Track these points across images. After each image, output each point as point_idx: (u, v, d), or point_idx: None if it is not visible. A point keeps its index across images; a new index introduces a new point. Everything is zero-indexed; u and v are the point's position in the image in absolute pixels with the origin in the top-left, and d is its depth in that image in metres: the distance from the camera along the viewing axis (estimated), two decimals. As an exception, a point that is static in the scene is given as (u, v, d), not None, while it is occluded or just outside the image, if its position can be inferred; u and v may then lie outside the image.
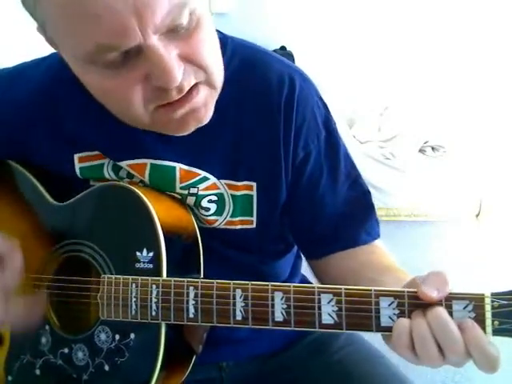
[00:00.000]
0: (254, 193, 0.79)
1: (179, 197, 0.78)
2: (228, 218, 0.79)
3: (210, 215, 0.79)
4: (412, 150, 2.82)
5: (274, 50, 3.10)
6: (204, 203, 0.78)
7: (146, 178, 0.77)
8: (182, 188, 0.77)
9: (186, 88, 0.62)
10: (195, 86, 0.64)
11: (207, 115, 0.68)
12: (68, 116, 0.78)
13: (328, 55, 3.08)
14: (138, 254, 0.70)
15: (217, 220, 0.80)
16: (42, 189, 0.82)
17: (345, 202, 0.82)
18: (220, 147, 0.77)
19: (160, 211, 0.72)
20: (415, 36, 3.00)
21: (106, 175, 0.79)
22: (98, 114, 0.72)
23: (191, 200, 0.78)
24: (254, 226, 0.80)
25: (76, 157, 0.79)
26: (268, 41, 3.03)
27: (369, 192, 0.84)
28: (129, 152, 0.77)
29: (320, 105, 0.81)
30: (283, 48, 3.11)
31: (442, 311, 0.56)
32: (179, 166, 0.77)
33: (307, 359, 0.90)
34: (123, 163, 0.77)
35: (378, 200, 2.80)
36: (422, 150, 2.84)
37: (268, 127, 0.77)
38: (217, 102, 0.70)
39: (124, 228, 0.74)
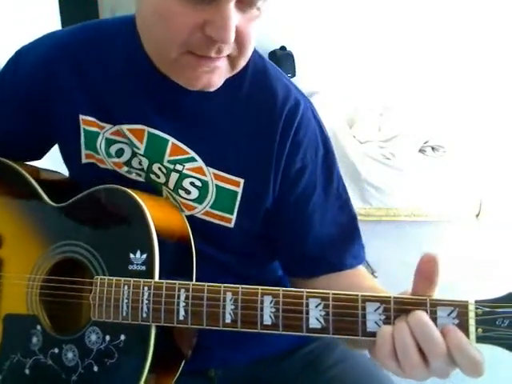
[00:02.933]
0: (240, 190, 0.79)
1: (164, 170, 0.80)
2: (207, 208, 0.80)
3: (190, 200, 0.80)
4: (412, 149, 2.82)
5: (274, 50, 3.10)
6: (186, 184, 0.80)
7: (143, 145, 0.79)
8: (168, 162, 0.79)
9: (224, 53, 0.67)
10: (224, 58, 0.69)
11: (217, 83, 0.72)
12: (84, 75, 0.81)
13: (328, 55, 3.08)
14: (131, 255, 0.71)
15: (196, 207, 0.81)
16: (38, 189, 0.83)
17: (333, 222, 0.82)
18: (216, 136, 0.79)
19: (154, 214, 0.73)
20: (415, 36, 3.00)
21: (98, 146, 0.82)
22: (111, 77, 0.79)
23: (174, 176, 0.80)
24: (232, 225, 0.81)
25: (81, 118, 0.82)
26: (268, 41, 3.04)
27: (356, 217, 0.85)
28: (130, 116, 0.79)
29: (322, 127, 0.84)
30: (283, 48, 3.12)
31: (422, 314, 0.56)
32: (171, 140, 0.79)
33: (301, 374, 0.89)
34: (124, 126, 0.79)
35: (378, 200, 2.81)
36: (421, 150, 2.84)
37: (265, 131, 0.79)
38: (226, 93, 0.76)
39: (118, 230, 0.75)
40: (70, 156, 0.86)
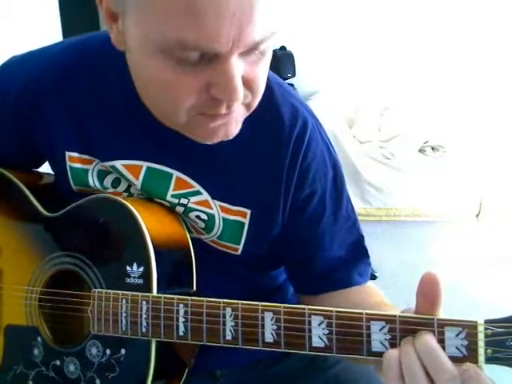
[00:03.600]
0: (247, 221, 0.78)
1: (168, 204, 0.78)
2: (214, 239, 0.79)
3: (198, 227, 0.79)
4: (412, 149, 2.82)
5: (274, 50, 3.09)
6: (192, 217, 0.78)
7: (139, 181, 0.76)
8: (172, 196, 0.77)
9: (235, 107, 0.63)
10: (238, 106, 0.65)
11: (236, 131, 0.69)
12: (72, 107, 0.77)
13: (328, 55, 3.08)
14: (128, 268, 0.70)
15: (203, 234, 0.79)
16: (32, 197, 0.82)
17: (342, 244, 0.81)
18: (221, 167, 0.77)
19: (151, 225, 0.71)
20: (415, 36, 2.99)
21: (90, 181, 0.79)
22: (104, 112, 0.74)
23: (179, 210, 0.78)
24: (239, 253, 0.80)
25: (67, 155, 0.78)
26: (268, 40, 3.02)
27: (363, 237, 0.84)
28: (127, 152, 0.76)
29: (330, 147, 0.82)
30: (283, 48, 3.10)
31: (429, 339, 0.55)
32: (176, 174, 0.76)
33: (303, 372, 0.89)
34: (118, 162, 0.76)
35: (378, 200, 2.81)
36: (421, 150, 2.84)
37: (273, 159, 0.76)
38: None
39: (114, 242, 0.74)
40: (62, 185, 0.83)
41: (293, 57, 3.09)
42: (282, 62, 3.04)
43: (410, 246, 2.60)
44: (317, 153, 0.78)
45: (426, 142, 2.84)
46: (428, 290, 0.56)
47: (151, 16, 0.57)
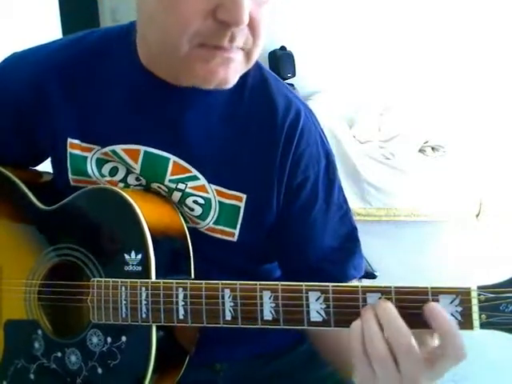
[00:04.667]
0: (242, 205, 0.78)
1: (166, 189, 0.79)
2: (210, 225, 0.79)
3: (193, 216, 0.79)
4: (412, 149, 2.82)
5: (274, 50, 3.10)
6: (189, 202, 0.79)
7: (138, 165, 0.77)
8: (170, 181, 0.78)
9: (237, 42, 0.65)
10: (238, 50, 0.66)
11: (233, 79, 0.69)
12: (74, 95, 0.78)
13: (328, 55, 3.08)
14: (126, 256, 0.71)
15: (199, 223, 0.80)
16: (28, 192, 0.83)
17: (334, 234, 0.82)
18: (218, 152, 0.78)
19: (147, 213, 0.72)
20: (415, 36, 2.99)
21: (89, 169, 0.80)
22: (104, 97, 0.76)
23: (177, 195, 0.78)
24: (235, 239, 0.80)
25: (68, 141, 0.79)
26: (268, 41, 3.02)
27: (356, 228, 0.84)
28: (125, 136, 0.77)
29: (323, 137, 0.83)
30: (283, 48, 3.11)
31: (389, 305, 0.56)
32: (173, 159, 0.77)
33: (302, 367, 0.90)
34: (118, 147, 0.77)
35: (378, 200, 2.80)
36: (421, 150, 2.84)
37: (267, 146, 0.78)
38: (226, 109, 0.73)
39: (112, 231, 0.74)
40: (60, 177, 0.84)
41: (293, 57, 3.10)
42: (282, 61, 3.04)
43: (410, 246, 2.60)
44: (310, 141, 0.79)
45: (426, 142, 2.83)
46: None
47: None
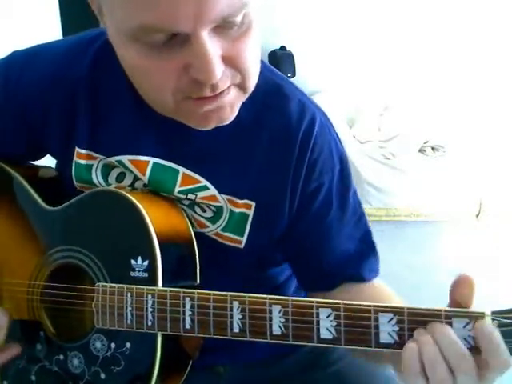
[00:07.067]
0: (251, 213, 0.77)
1: (175, 198, 0.78)
2: (218, 230, 0.79)
3: (204, 217, 0.79)
4: (412, 149, 2.82)
5: (274, 50, 3.10)
6: (202, 205, 0.78)
7: (146, 176, 0.76)
8: (179, 192, 0.77)
9: (220, 88, 0.61)
10: (228, 89, 0.63)
11: (231, 116, 0.67)
12: (94, 105, 0.77)
13: (328, 55, 3.08)
14: (132, 262, 0.70)
15: (208, 226, 0.79)
16: (33, 192, 0.81)
17: (349, 238, 0.81)
18: (229, 162, 0.77)
19: (155, 218, 0.71)
20: (415, 36, 2.99)
21: (94, 178, 0.79)
22: (114, 110, 0.75)
23: (187, 203, 0.78)
24: (242, 246, 0.79)
25: (76, 150, 0.78)
26: (268, 41, 3.03)
27: (371, 231, 0.84)
28: (133, 148, 0.76)
29: (337, 141, 0.81)
30: (283, 48, 3.11)
31: (449, 330, 0.56)
32: (182, 170, 0.76)
33: (305, 368, 0.89)
34: (125, 158, 0.76)
35: (378, 200, 2.80)
36: (421, 150, 2.84)
37: (281, 154, 0.76)
38: (237, 117, 0.69)
39: (118, 235, 0.73)
40: (65, 179, 0.82)
41: (293, 57, 3.10)
42: (282, 61, 3.04)
43: (410, 246, 2.60)
44: (324, 147, 0.78)
45: (426, 142, 2.84)
46: (460, 293, 0.57)
47: (114, 6, 0.58)
